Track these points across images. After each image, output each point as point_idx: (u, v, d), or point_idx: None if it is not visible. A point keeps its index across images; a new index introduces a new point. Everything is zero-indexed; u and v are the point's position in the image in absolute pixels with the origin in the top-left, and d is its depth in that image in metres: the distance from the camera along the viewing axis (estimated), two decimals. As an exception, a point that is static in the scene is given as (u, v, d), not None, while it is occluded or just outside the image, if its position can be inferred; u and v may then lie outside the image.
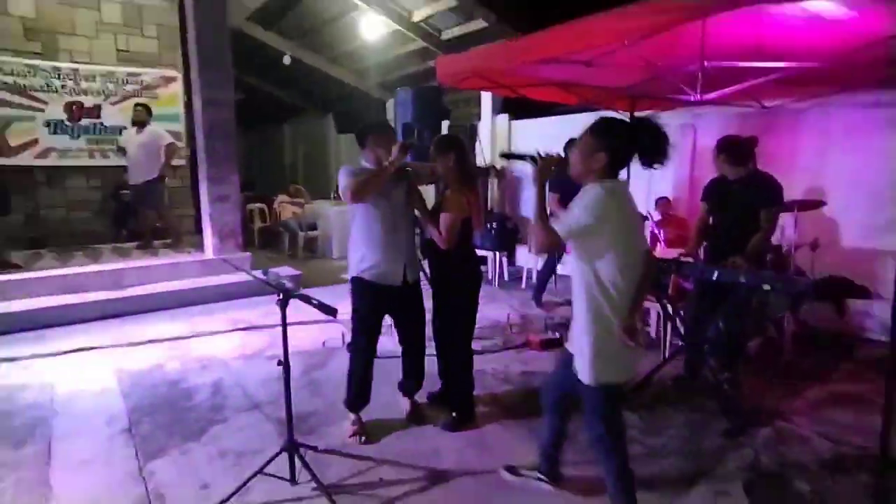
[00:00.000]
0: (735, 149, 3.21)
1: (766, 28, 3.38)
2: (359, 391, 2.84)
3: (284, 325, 2.18)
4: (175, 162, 6.88)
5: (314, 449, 2.56)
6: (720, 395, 3.08)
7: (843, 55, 3.18)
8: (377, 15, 7.13)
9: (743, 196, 3.18)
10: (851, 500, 2.30)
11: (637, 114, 5.24)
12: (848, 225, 4.39)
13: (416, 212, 2.82)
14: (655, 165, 1.86)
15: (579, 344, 1.93)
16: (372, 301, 2.74)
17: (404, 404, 3.05)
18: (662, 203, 5.11)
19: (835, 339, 4.14)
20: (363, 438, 2.77)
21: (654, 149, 1.83)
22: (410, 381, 3.03)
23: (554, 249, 5.11)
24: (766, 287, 2.79)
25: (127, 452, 2.66)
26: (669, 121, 5.94)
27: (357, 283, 2.75)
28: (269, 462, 2.28)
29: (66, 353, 4.00)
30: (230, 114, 5.70)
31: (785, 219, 3.72)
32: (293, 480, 2.34)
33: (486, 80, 4.16)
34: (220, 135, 5.65)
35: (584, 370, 1.92)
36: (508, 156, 2.30)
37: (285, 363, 2.22)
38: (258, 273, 2.42)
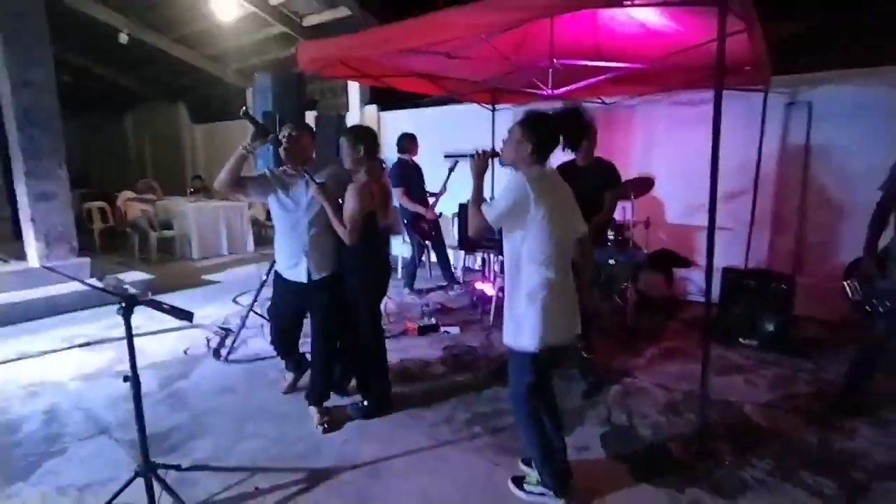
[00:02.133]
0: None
1: (604, 32, 3.74)
2: (285, 358, 3.06)
3: (130, 335, 1.90)
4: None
5: (177, 468, 2.31)
6: (578, 360, 3.38)
7: (662, 59, 3.63)
8: (229, -5, 6.53)
9: (588, 179, 3.49)
10: (683, 435, 2.67)
11: (485, 105, 5.50)
12: (672, 206, 5.07)
13: (326, 206, 2.59)
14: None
15: (520, 316, 2.03)
16: (278, 294, 2.86)
17: (312, 414, 2.83)
18: None
19: (665, 303, 4.78)
20: (327, 425, 2.74)
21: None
22: (317, 389, 2.86)
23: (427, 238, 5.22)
24: (612, 261, 3.12)
25: (-75, 509, 2.16)
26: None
27: (274, 275, 2.86)
28: (120, 492, 2.00)
29: None
30: (51, 98, 4.85)
31: (623, 201, 4.18)
32: (153, 507, 2.07)
33: (350, 69, 4.04)
34: (38, 122, 4.79)
35: (525, 336, 2.02)
36: (452, 156, 2.44)
37: (133, 378, 1.94)
38: (94, 280, 2.08)
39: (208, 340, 4.02)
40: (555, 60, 3.65)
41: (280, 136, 2.65)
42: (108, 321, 4.47)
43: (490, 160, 2.20)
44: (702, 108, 4.69)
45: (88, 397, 3.12)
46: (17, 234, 5.50)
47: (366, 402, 2.89)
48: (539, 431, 2.15)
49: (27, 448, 2.59)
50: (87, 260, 5.28)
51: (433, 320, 4.33)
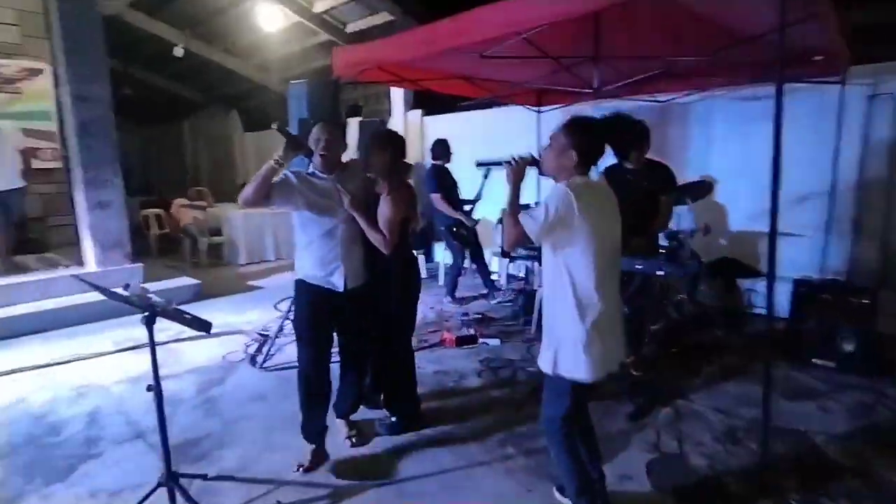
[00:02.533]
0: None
1: (656, 23, 3.55)
2: (308, 416, 2.59)
3: (152, 345, 1.96)
4: (48, 165, 6.17)
5: (202, 477, 2.35)
6: (625, 379, 3.19)
7: (722, 50, 3.40)
8: (274, 4, 6.79)
9: (639, 183, 3.31)
10: (742, 467, 2.45)
11: (530, 108, 5.36)
12: (735, 210, 4.75)
13: (358, 216, 2.51)
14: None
15: (560, 339, 1.94)
16: (308, 307, 2.57)
17: (340, 427, 2.81)
18: None
19: (727, 317, 4.46)
20: (355, 439, 2.72)
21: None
22: (347, 402, 2.80)
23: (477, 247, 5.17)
24: (660, 273, 2.93)
25: (-28, 506, 2.30)
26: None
27: (297, 286, 2.63)
28: (142, 501, 2.04)
29: None
30: (107, 111, 5.18)
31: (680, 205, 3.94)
32: (175, 517, 2.11)
33: (387, 73, 4.05)
34: (95, 134, 5.11)
35: (564, 363, 1.92)
36: (485, 164, 2.36)
37: (156, 388, 2.00)
38: (119, 290, 2.15)
39: (247, 346, 4.13)
40: (601, 57, 3.51)
41: (312, 140, 2.50)
42: (158, 324, 4.69)
43: (527, 168, 2.06)
44: (767, 103, 4.33)
45: (129, 401, 3.26)
46: (78, 241, 5.90)
47: (393, 419, 2.85)
48: (574, 460, 2.03)
49: (67, 450, 2.73)
50: (140, 265, 5.59)
51: (471, 331, 4.25)
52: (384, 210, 2.51)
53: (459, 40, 2.90)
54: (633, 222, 3.31)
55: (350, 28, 7.17)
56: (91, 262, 5.32)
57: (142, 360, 3.93)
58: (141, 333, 4.40)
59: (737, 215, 4.75)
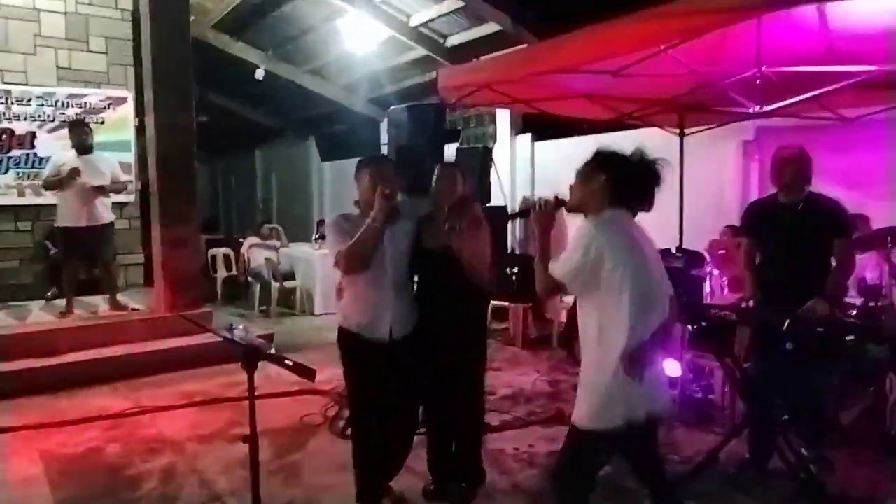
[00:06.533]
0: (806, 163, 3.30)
1: (837, 25, 3.55)
2: (365, 483, 2.89)
3: (252, 390, 2.26)
4: (120, 198, 7.12)
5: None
6: (803, 479, 3.06)
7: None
8: (368, 19, 7.51)
9: (796, 222, 3.25)
10: None
11: (669, 129, 5.40)
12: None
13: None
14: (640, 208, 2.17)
15: (585, 386, 2.18)
16: (359, 357, 2.87)
17: None
18: (726, 232, 5.15)
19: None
20: None
21: (645, 188, 2.14)
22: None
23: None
24: (850, 337, 2.83)
25: (54, 558, 2.71)
26: (724, 141, 6.03)
27: (341, 335, 2.95)
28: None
29: (-18, 435, 4.07)
30: (189, 142, 5.96)
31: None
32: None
33: (497, 94, 4.35)
34: (176, 167, 5.89)
35: (581, 411, 2.15)
36: (518, 215, 2.63)
37: (252, 439, 2.28)
38: (225, 331, 2.51)
39: (325, 409, 4.44)
40: (763, 68, 3.56)
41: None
42: (225, 378, 5.17)
43: (555, 210, 2.26)
44: None
45: (204, 460, 3.65)
46: (148, 281, 6.69)
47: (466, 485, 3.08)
48: None
49: (145, 508, 3.12)
50: (209, 310, 6.22)
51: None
52: (484, 243, 2.90)
53: (589, 57, 3.12)
54: (782, 273, 3.25)
55: (451, 42, 7.70)
56: (161, 304, 6.01)
57: (213, 416, 4.37)
58: (208, 387, 4.95)
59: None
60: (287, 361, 2.23)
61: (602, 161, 2.15)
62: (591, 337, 2.13)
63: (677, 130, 5.50)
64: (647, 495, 2.39)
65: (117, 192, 6.05)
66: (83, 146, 5.70)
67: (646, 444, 2.28)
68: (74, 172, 5.45)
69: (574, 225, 2.26)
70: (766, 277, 3.44)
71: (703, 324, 3.41)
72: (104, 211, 5.82)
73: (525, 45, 3.92)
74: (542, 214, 2.25)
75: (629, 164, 2.13)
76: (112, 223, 6.01)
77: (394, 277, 2.84)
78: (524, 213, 2.47)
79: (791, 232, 3.25)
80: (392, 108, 4.13)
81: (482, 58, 3.85)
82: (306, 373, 2.18)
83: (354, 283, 2.87)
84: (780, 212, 3.28)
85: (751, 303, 3.43)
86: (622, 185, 2.12)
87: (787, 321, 2.97)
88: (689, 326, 4.13)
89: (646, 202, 2.16)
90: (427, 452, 3.17)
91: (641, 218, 2.23)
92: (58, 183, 5.56)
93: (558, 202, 2.25)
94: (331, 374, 5.26)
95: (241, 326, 2.48)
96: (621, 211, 2.14)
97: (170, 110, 5.83)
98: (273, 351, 2.32)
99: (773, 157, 3.40)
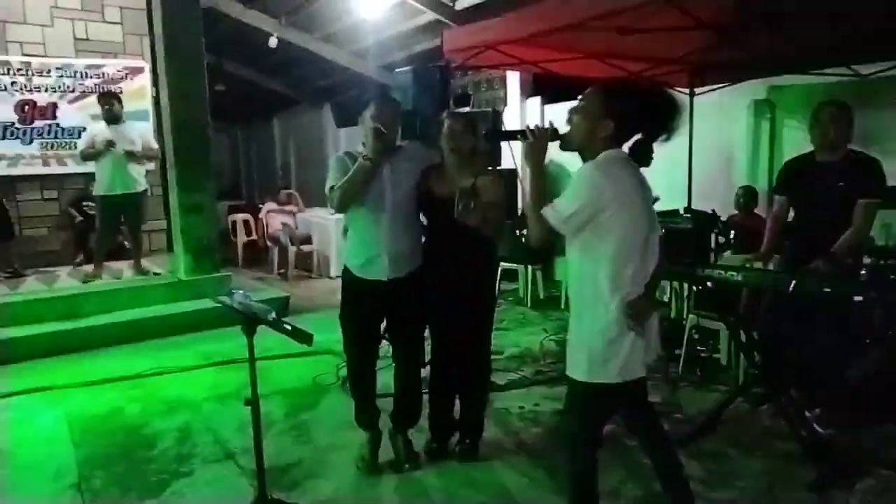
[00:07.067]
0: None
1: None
2: (359, 408, 3.07)
3: (252, 356, 2.24)
4: (150, 165, 7.12)
5: (294, 507, 2.60)
6: (808, 438, 3.00)
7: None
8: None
9: (832, 181, 3.11)
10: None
11: (679, 89, 5.19)
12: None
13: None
14: (661, 139, 1.98)
15: (581, 340, 2.03)
16: (353, 295, 2.96)
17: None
18: (744, 195, 4.96)
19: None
20: (361, 463, 2.99)
21: (664, 121, 1.94)
22: (399, 414, 3.10)
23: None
24: (858, 298, 2.73)
25: (74, 512, 2.76)
26: (735, 101, 5.85)
27: (343, 275, 3.01)
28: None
29: (9, 395, 4.15)
30: (202, 109, 5.89)
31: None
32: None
33: (503, 55, 4.22)
34: (190, 134, 5.84)
35: (580, 366, 2.01)
36: (496, 134, 2.36)
37: (254, 402, 2.27)
38: (224, 298, 2.48)
39: (338, 368, 4.45)
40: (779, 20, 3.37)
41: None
42: (244, 340, 5.21)
43: (551, 140, 2.02)
44: None
45: (219, 419, 3.68)
46: (171, 247, 6.73)
47: (468, 441, 3.09)
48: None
49: (160, 465, 3.16)
50: (229, 274, 6.26)
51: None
52: (499, 189, 2.95)
53: (593, 11, 2.97)
54: (814, 233, 3.13)
55: (460, 4, 7.47)
56: (181, 269, 6.04)
57: (231, 376, 4.40)
58: (230, 348, 4.99)
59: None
60: (286, 326, 2.20)
61: (612, 100, 1.93)
62: (588, 285, 1.98)
63: (687, 90, 5.32)
64: (647, 453, 2.32)
65: (150, 159, 6.10)
66: (113, 116, 5.73)
67: (643, 395, 2.21)
68: (109, 144, 5.54)
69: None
70: (799, 235, 3.34)
71: (709, 284, 3.32)
72: (139, 179, 5.88)
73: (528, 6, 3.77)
74: (535, 144, 2.00)
75: (639, 104, 1.97)
76: (146, 191, 6.08)
77: (393, 219, 2.78)
78: (512, 133, 2.21)
79: (828, 193, 3.12)
80: (397, 71, 4.00)
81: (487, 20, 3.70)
82: (304, 337, 2.14)
83: (354, 223, 2.87)
84: (819, 171, 3.14)
85: (758, 264, 3.32)
86: (631, 127, 1.94)
87: (794, 283, 2.86)
88: (695, 287, 4.06)
89: (665, 133, 1.98)
90: (429, 410, 3.17)
91: (650, 178, 2.05)
92: (95, 154, 5.65)
93: (554, 133, 2.03)
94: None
95: (241, 292, 2.43)
96: (621, 151, 1.98)
97: (182, 78, 5.75)
98: (273, 316, 2.26)
99: (815, 114, 3.16)
